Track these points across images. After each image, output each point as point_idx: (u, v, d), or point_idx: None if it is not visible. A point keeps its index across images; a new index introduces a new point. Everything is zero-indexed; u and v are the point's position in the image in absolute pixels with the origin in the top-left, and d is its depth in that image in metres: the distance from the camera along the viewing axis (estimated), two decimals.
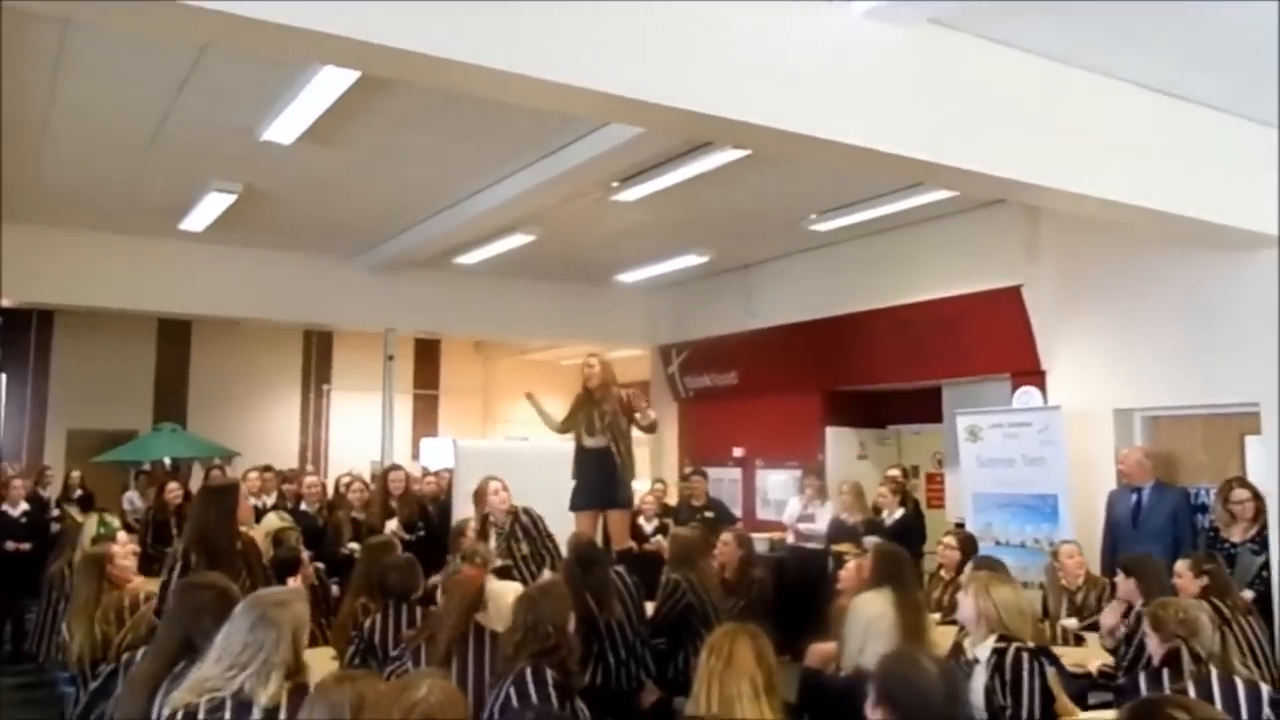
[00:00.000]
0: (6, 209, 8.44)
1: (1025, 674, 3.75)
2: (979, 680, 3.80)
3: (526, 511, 6.58)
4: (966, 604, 4.00)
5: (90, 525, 7.33)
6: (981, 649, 3.88)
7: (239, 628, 2.84)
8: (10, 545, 8.42)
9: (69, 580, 6.16)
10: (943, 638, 4.74)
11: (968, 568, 5.30)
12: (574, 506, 6.51)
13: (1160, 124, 5.59)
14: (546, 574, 6.30)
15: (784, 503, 9.43)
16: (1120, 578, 5.10)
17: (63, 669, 4.97)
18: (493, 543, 6.45)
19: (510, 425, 16.00)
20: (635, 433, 6.65)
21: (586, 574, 5.14)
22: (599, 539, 6.23)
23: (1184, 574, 5.04)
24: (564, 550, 6.77)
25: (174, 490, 8.78)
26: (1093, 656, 4.95)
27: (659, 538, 7.95)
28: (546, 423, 6.96)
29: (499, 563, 6.06)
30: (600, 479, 6.39)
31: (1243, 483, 6.29)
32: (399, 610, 4.60)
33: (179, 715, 2.71)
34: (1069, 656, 4.71)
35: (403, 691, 2.32)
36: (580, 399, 6.60)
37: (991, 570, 4.72)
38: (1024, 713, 3.69)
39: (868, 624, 4.65)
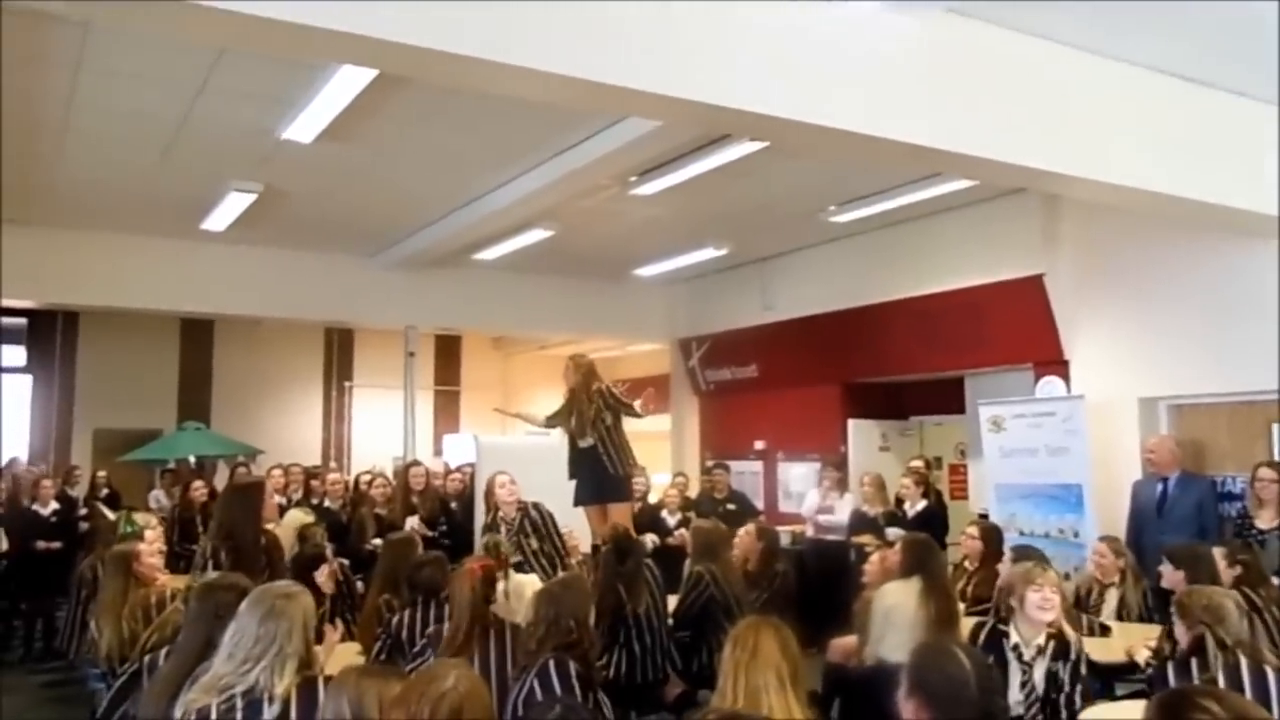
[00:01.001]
0: (29, 211, 8.55)
1: (1086, 655, 3.95)
2: (1040, 669, 3.89)
3: (536, 507, 6.65)
4: (1056, 602, 4.03)
5: (119, 523, 7.41)
6: (1040, 638, 3.96)
7: (248, 622, 2.82)
8: (41, 545, 8.52)
9: (99, 577, 6.26)
10: (966, 628, 4.72)
11: (1006, 557, 5.23)
12: (577, 502, 6.60)
13: (1180, 109, 5.53)
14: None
15: (806, 495, 9.39)
16: (1167, 568, 5.00)
17: (93, 666, 5.02)
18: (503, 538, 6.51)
19: None
20: (640, 424, 6.71)
21: (621, 563, 5.18)
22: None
23: (1219, 562, 4.98)
24: (577, 545, 6.86)
25: (199, 488, 8.86)
26: (1117, 646, 4.90)
27: (682, 531, 7.95)
28: (532, 423, 7.20)
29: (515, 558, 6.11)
30: (593, 477, 6.49)
31: (1271, 464, 6.22)
32: (426, 607, 4.61)
33: (193, 716, 2.70)
34: (1095, 647, 4.67)
35: (430, 683, 2.29)
36: (568, 398, 6.68)
37: (1030, 559, 4.68)
38: (1079, 691, 3.85)
39: (886, 614, 4.66)
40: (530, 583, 5.28)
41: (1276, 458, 6.52)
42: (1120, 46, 5.15)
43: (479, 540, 6.92)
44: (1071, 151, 5.13)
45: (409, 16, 3.48)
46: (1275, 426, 6.68)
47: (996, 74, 4.92)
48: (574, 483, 6.62)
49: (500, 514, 6.70)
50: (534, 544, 6.53)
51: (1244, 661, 3.35)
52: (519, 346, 16.03)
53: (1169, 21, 4.88)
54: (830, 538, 8.45)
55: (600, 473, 6.46)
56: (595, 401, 6.49)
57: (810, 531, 8.82)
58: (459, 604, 4.03)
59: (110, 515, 8.55)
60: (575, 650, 3.52)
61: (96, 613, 4.77)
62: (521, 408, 9.15)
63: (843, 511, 8.43)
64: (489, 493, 6.97)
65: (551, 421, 6.89)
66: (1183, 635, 3.60)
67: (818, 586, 7.68)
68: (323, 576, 5.11)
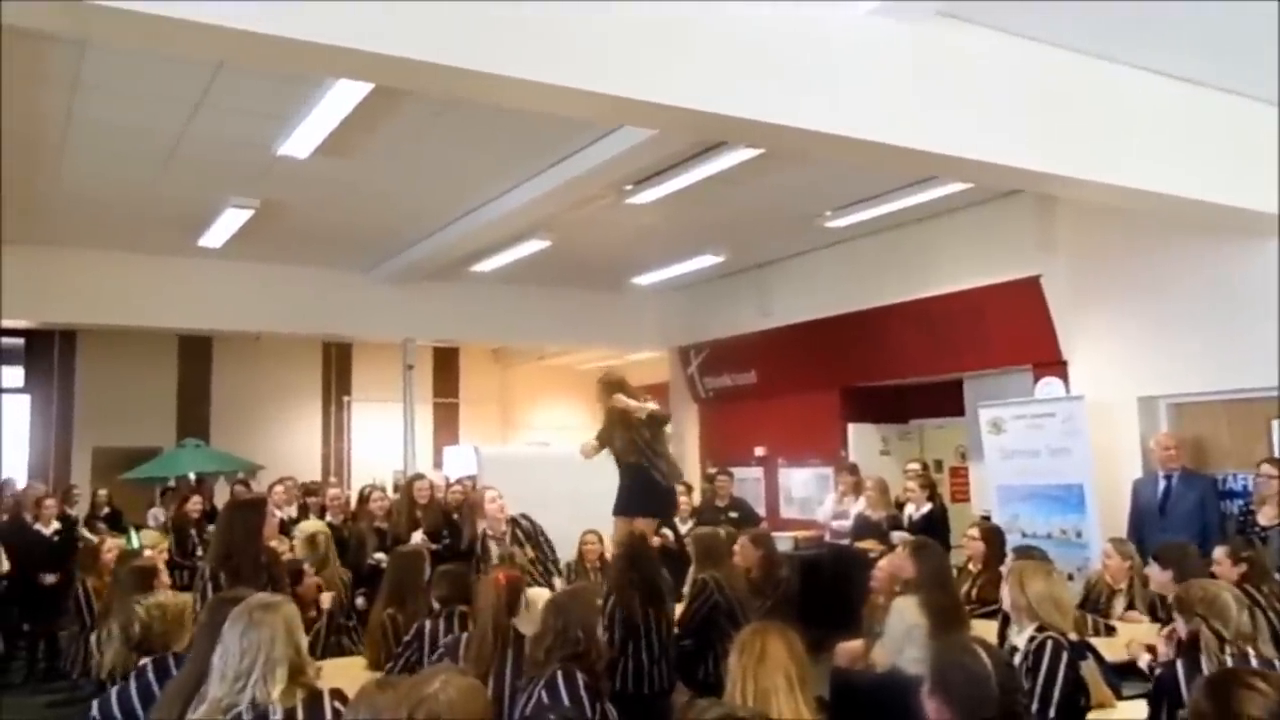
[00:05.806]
0: (26, 230, 8.54)
1: (1045, 661, 3.72)
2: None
3: (525, 517, 6.61)
4: (1005, 594, 4.07)
5: (120, 543, 7.40)
6: (1020, 637, 3.91)
7: (231, 639, 2.79)
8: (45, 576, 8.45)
9: (90, 597, 6.31)
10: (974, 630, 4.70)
11: (1008, 559, 5.23)
12: (616, 511, 6.53)
13: (1175, 110, 5.56)
14: (557, 582, 6.38)
15: (808, 500, 9.38)
16: (1154, 568, 4.99)
17: (97, 685, 4.99)
18: (494, 551, 6.49)
19: (531, 431, 16.03)
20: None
21: (634, 570, 5.18)
22: None
23: (1222, 561, 4.97)
24: (602, 552, 6.83)
25: (194, 502, 8.83)
26: (1122, 647, 4.88)
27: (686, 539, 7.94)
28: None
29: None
30: (627, 490, 6.38)
31: (1272, 461, 6.23)
32: (450, 619, 4.60)
33: None
34: (1101, 647, 4.65)
35: (415, 686, 2.25)
36: (605, 417, 6.60)
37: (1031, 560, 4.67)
38: (1040, 700, 3.68)
39: (908, 630, 4.61)
40: (541, 595, 5.27)
41: (1277, 454, 6.53)
42: (1111, 48, 5.18)
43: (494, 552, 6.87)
44: (1065, 152, 5.15)
45: (403, 29, 3.49)
46: (1275, 423, 6.69)
47: (989, 76, 4.93)
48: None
49: (489, 529, 6.66)
50: (529, 553, 6.54)
51: (1252, 654, 3.34)
52: (518, 357, 16.04)
53: (1160, 23, 4.90)
54: (846, 542, 8.44)
55: (636, 488, 6.26)
56: (619, 420, 6.32)
57: (827, 536, 8.81)
58: (484, 613, 4.00)
59: (91, 537, 8.53)
60: (583, 661, 3.50)
61: (104, 626, 4.74)
62: (527, 419, 8.99)
63: None
64: (475, 509, 6.90)
65: (600, 444, 6.55)
66: (1182, 629, 3.58)
67: (836, 591, 7.63)
68: (302, 588, 5.07)
